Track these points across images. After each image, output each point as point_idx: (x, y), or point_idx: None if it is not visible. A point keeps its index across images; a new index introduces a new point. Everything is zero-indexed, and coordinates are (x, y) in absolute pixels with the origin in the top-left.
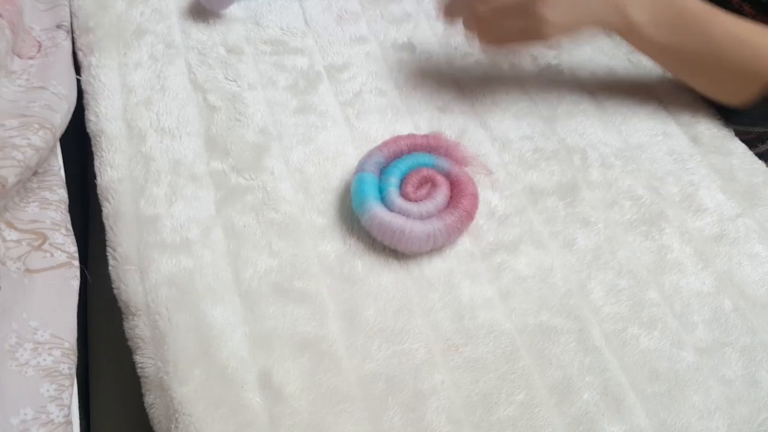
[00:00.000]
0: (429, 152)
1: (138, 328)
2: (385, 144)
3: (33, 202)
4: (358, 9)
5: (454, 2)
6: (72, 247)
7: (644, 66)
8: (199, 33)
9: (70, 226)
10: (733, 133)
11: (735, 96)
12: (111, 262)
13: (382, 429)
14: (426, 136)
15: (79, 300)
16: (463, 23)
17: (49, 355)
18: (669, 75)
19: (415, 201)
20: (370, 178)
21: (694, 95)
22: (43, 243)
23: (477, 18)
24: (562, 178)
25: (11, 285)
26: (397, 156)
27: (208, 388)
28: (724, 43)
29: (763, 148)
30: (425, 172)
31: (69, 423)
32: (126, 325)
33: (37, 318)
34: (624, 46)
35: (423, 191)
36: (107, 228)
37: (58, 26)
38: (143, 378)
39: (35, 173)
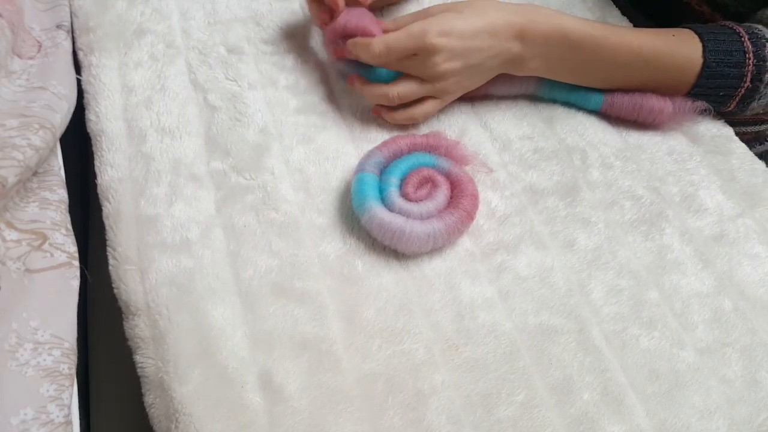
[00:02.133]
0: (429, 152)
1: (138, 327)
2: (385, 144)
3: (33, 202)
4: None
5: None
6: (72, 247)
7: None
8: (200, 33)
9: (70, 226)
10: (733, 133)
11: (679, 89)
12: (111, 261)
13: (382, 429)
14: (426, 136)
15: (79, 300)
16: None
17: (49, 355)
18: None
19: (416, 201)
20: (370, 178)
21: None
22: (43, 243)
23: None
24: (562, 178)
25: (11, 285)
26: (397, 156)
27: (209, 388)
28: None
29: (761, 149)
30: (425, 172)
31: (69, 423)
32: (126, 324)
33: (37, 318)
34: None
35: (423, 191)
36: (107, 228)
37: (58, 26)
38: (143, 378)
39: (35, 173)
